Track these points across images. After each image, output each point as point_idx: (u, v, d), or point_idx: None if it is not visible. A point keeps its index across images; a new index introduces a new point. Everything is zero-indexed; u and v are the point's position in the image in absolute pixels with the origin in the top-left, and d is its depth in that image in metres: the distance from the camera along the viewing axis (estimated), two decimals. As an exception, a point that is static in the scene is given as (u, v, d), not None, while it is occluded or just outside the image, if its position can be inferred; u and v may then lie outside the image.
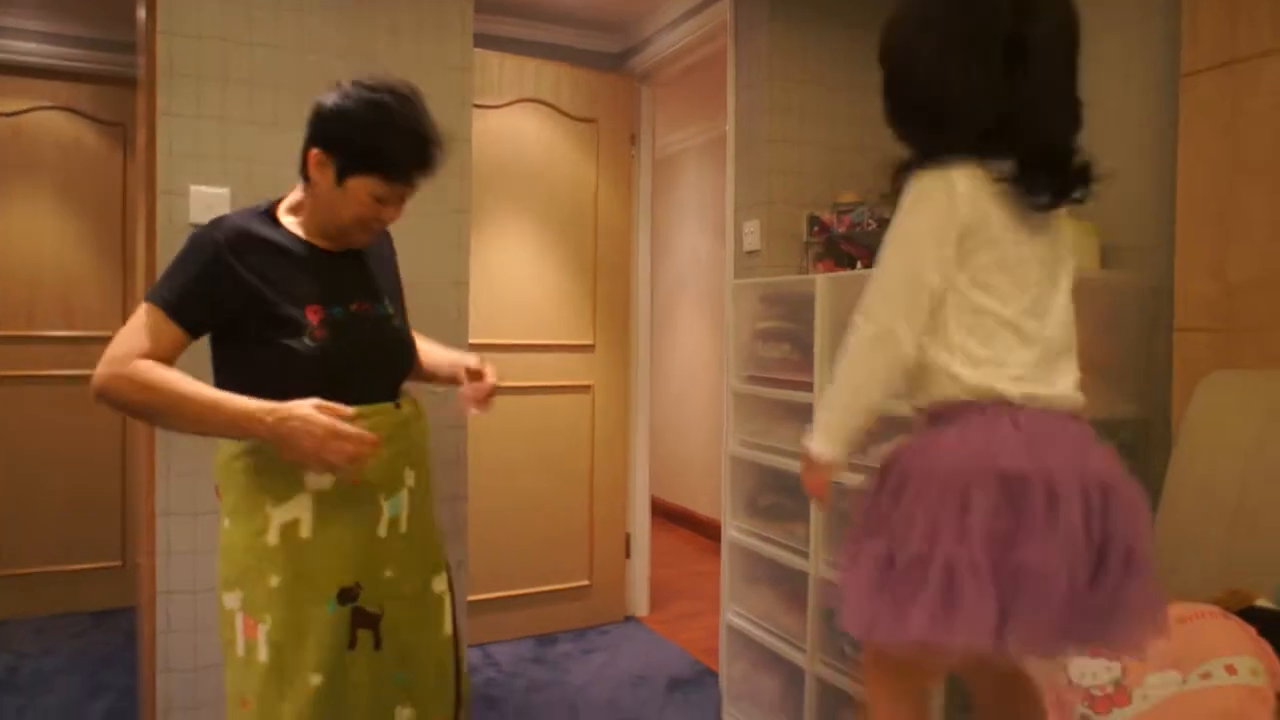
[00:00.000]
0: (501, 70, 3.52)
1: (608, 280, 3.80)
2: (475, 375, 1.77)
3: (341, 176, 1.57)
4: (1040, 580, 1.20)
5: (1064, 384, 1.38)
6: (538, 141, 3.61)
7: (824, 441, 1.42)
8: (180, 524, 2.35)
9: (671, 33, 3.58)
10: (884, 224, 2.63)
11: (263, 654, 1.54)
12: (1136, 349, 2.29)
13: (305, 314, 1.57)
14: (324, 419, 1.47)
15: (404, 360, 1.75)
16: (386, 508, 1.64)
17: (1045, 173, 1.31)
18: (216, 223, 1.59)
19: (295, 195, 1.68)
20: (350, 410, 1.52)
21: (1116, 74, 2.37)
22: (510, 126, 3.55)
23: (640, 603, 4.00)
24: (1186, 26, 2.05)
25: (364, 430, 1.51)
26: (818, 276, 2.49)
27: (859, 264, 2.71)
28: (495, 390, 1.76)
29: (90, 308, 3.79)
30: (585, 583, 3.79)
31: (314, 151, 1.58)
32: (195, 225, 2.30)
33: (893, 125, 1.45)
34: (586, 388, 3.76)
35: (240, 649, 1.57)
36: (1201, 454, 1.82)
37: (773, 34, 2.96)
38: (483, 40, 3.40)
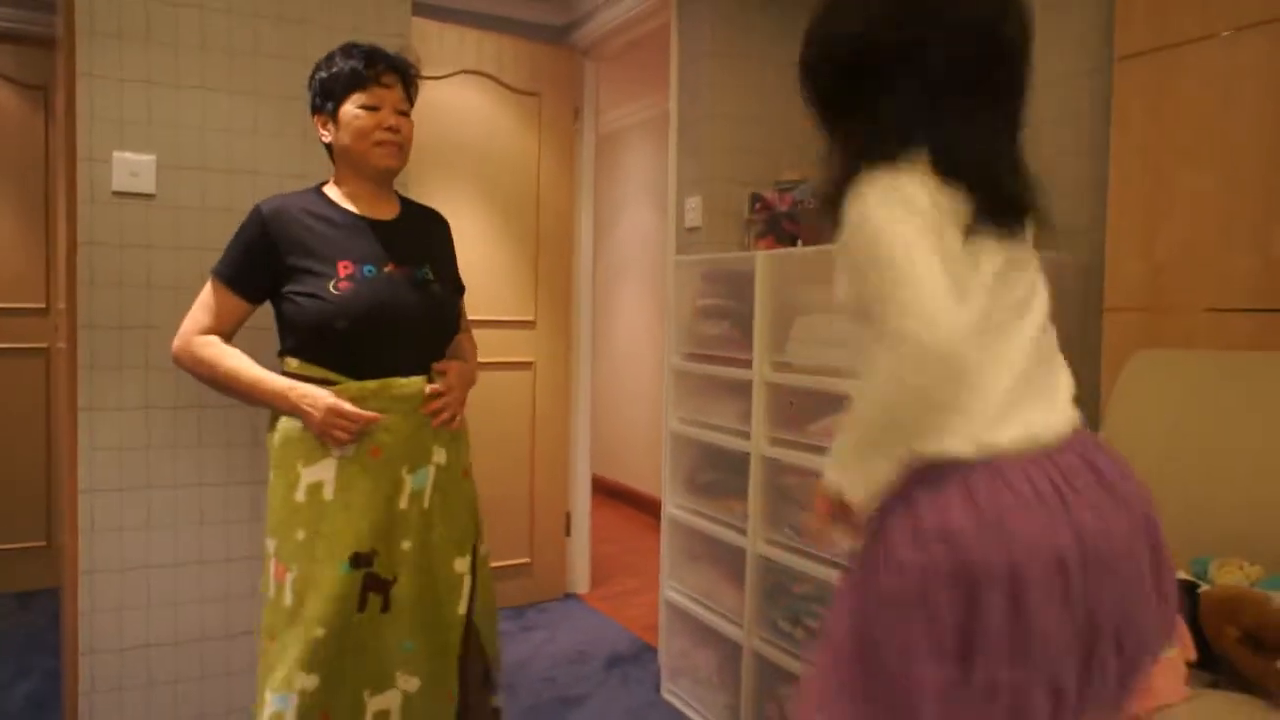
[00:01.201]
0: (442, 41, 3.45)
1: (550, 256, 3.76)
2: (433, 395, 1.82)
3: (334, 115, 1.78)
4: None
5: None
6: (479, 114, 3.56)
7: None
8: (105, 501, 2.28)
9: (615, 6, 3.54)
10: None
11: (287, 598, 1.69)
12: (1067, 329, 2.33)
13: (336, 268, 1.73)
14: (326, 398, 1.68)
15: (437, 327, 1.86)
16: (410, 480, 1.75)
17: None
18: (267, 200, 1.80)
19: (336, 174, 1.87)
20: (372, 385, 1.71)
21: (1053, 56, 2.40)
22: (451, 99, 3.48)
23: (580, 580, 4.00)
24: (1121, 11, 2.08)
25: (373, 410, 1.69)
26: (758, 254, 2.49)
27: (799, 242, 2.72)
28: (446, 402, 1.81)
29: (12, 278, 3.65)
30: (525, 560, 3.78)
31: (315, 120, 1.82)
32: (118, 193, 2.25)
33: None
34: (528, 364, 3.73)
35: (272, 590, 1.73)
36: (1125, 433, 1.86)
37: (715, 10, 2.94)
38: (423, 9, 3.33)
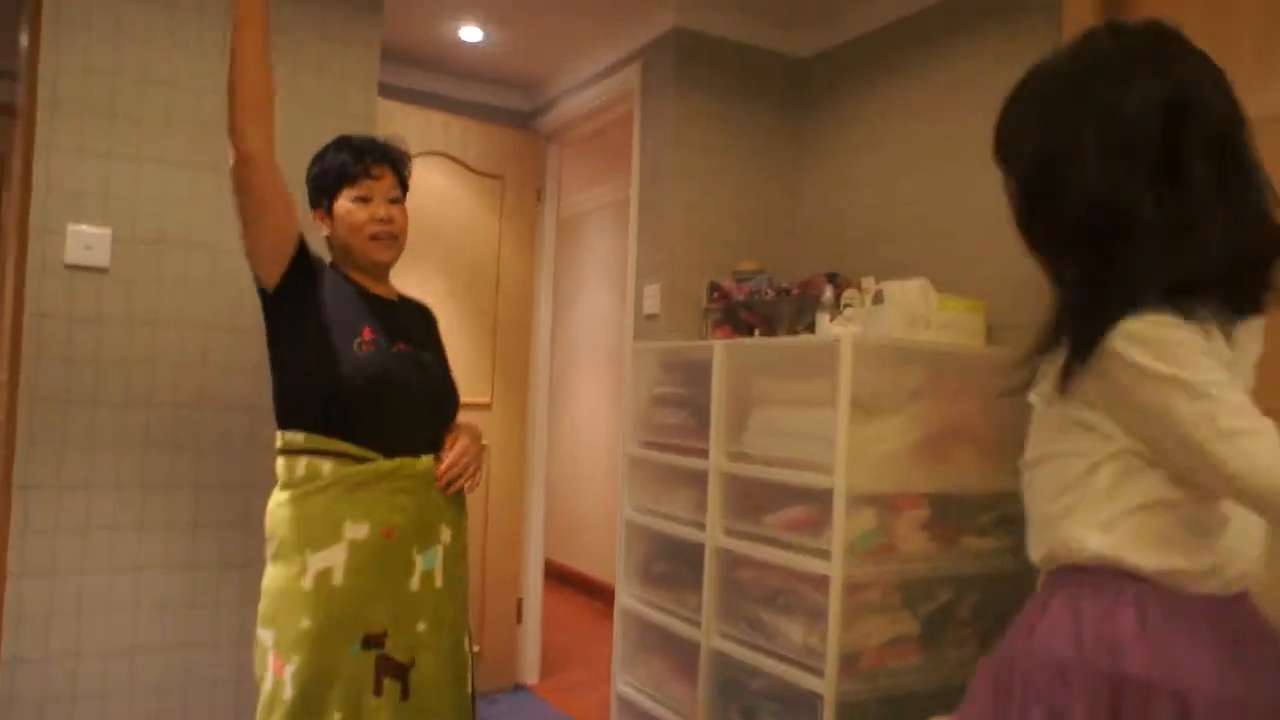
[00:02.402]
0: (408, 122, 3.48)
1: (507, 337, 3.75)
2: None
3: (330, 210, 1.79)
4: None
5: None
6: (442, 195, 3.58)
7: None
8: (41, 498, 2.19)
9: (580, 94, 3.61)
10: (781, 293, 2.70)
11: (288, 692, 1.63)
12: (1019, 424, 2.36)
13: (361, 331, 1.73)
14: None
15: (444, 405, 1.86)
16: (420, 561, 1.73)
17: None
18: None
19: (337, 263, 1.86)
20: (388, 464, 1.68)
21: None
22: (415, 179, 3.47)
23: (531, 670, 3.89)
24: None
25: (389, 490, 1.68)
26: (715, 343, 2.51)
27: (756, 331, 2.74)
28: (456, 470, 1.79)
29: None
30: (475, 649, 3.66)
31: (314, 216, 1.83)
32: (71, 266, 2.22)
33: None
34: (482, 447, 3.68)
35: (269, 684, 1.66)
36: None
37: (678, 102, 3.01)
38: (389, 91, 3.37)
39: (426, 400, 1.80)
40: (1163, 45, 1.07)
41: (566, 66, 3.66)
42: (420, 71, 3.74)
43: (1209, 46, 1.06)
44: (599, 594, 5.29)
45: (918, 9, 2.77)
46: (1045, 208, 1.12)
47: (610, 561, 4.86)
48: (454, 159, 3.60)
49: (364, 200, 1.78)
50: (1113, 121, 1.04)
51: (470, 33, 3.37)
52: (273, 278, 1.69)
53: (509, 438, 3.75)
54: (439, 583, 1.76)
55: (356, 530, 1.66)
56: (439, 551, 1.77)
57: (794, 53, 3.20)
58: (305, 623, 1.63)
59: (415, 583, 1.72)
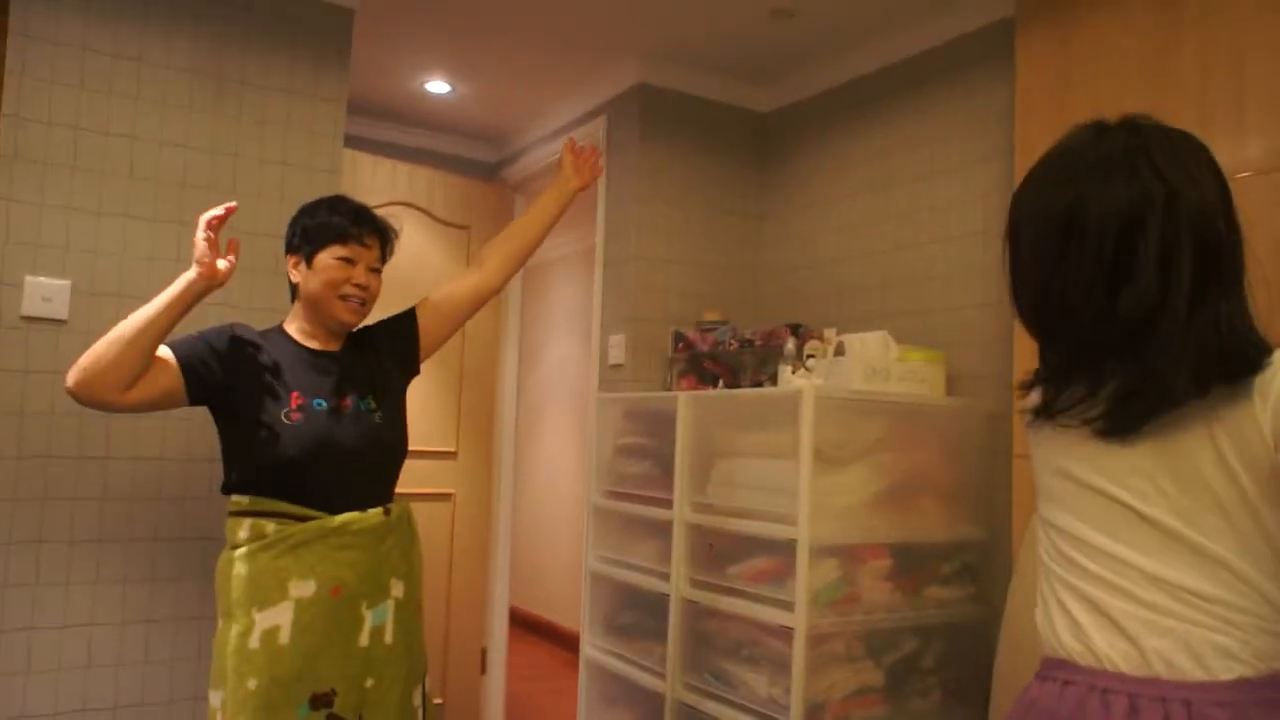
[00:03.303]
0: (374, 173, 3.50)
1: (473, 386, 3.75)
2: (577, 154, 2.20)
3: (309, 259, 1.80)
4: None
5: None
6: (408, 246, 3.55)
7: None
8: None
9: (547, 146, 3.65)
10: (744, 344, 2.73)
11: None
12: (979, 473, 2.40)
13: (290, 398, 1.74)
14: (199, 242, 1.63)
15: (384, 455, 1.88)
16: (369, 617, 1.73)
17: None
18: (239, 324, 1.83)
19: (293, 311, 1.88)
20: (334, 521, 1.70)
21: (959, 196, 2.54)
22: (380, 229, 3.51)
23: (495, 722, 3.83)
24: (1019, 141, 2.20)
25: (334, 547, 1.68)
26: (680, 394, 2.52)
27: (720, 382, 2.76)
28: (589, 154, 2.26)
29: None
30: (438, 701, 3.61)
31: (288, 260, 1.84)
32: (27, 318, 2.19)
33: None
34: (448, 496, 3.65)
35: None
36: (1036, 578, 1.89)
37: (642, 155, 3.06)
38: (356, 142, 3.39)
39: (366, 453, 1.81)
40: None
41: (533, 119, 3.71)
42: (388, 123, 3.77)
43: (1150, 110, 1.10)
44: (565, 642, 5.23)
45: (876, 67, 2.85)
46: None
47: (575, 609, 4.81)
48: (420, 209, 3.61)
49: (349, 262, 1.81)
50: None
51: (437, 86, 3.40)
52: (187, 401, 1.72)
53: (475, 486, 3.73)
54: (389, 638, 1.75)
55: (302, 588, 1.66)
56: (390, 606, 1.77)
57: (756, 108, 3.27)
58: (252, 683, 1.63)
59: (364, 638, 1.72)
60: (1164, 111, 1.13)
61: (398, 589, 1.79)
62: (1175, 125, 1.07)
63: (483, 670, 3.79)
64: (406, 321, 2.01)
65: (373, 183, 3.49)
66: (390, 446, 1.90)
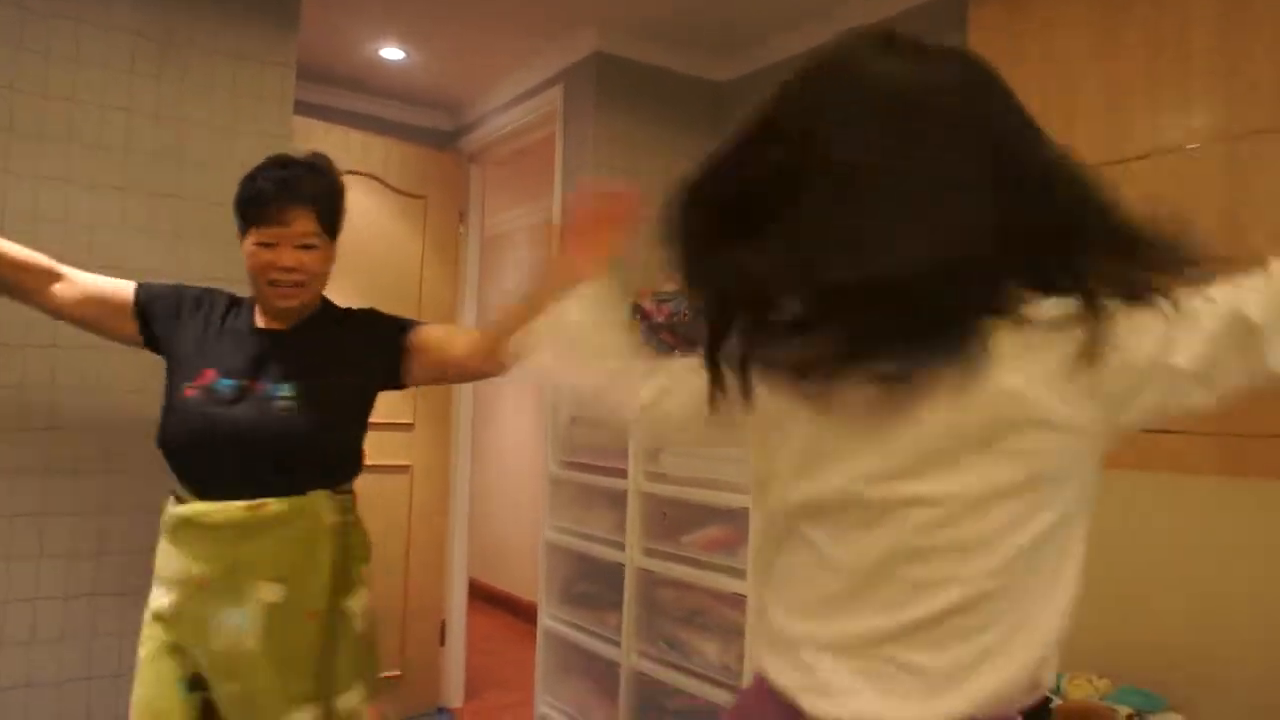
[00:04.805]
0: (327, 141, 3.44)
1: (430, 358, 3.72)
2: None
3: (242, 238, 1.69)
4: None
5: None
6: (363, 215, 3.53)
7: None
8: None
9: (503, 115, 3.62)
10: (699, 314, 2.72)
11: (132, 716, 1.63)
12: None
13: (201, 373, 1.67)
14: None
15: (287, 445, 1.65)
16: (225, 617, 1.59)
17: None
18: (198, 286, 1.82)
19: None
20: (185, 511, 1.64)
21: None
22: (334, 198, 3.45)
23: (454, 693, 3.84)
24: None
25: (184, 540, 1.62)
26: (636, 364, 2.52)
27: (676, 353, 2.76)
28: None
29: None
30: (396, 673, 3.61)
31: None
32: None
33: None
34: (405, 468, 3.63)
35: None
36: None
37: (599, 125, 3.04)
38: (308, 109, 3.33)
39: (258, 441, 1.63)
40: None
41: (489, 87, 3.67)
42: (341, 90, 3.70)
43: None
44: (524, 614, 5.25)
45: (832, 37, 2.84)
46: None
47: (534, 581, 4.83)
48: (375, 178, 3.56)
49: (267, 246, 1.66)
50: None
51: (391, 52, 3.35)
52: (134, 323, 1.76)
53: (432, 458, 3.72)
54: (250, 645, 1.57)
55: (180, 572, 1.63)
56: (253, 612, 1.58)
57: (712, 77, 3.25)
58: (141, 651, 1.66)
59: (219, 641, 1.58)
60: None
61: (271, 593, 1.59)
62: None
63: (442, 642, 3.80)
64: (394, 334, 1.88)
65: (325, 150, 3.41)
66: (298, 436, 1.66)
